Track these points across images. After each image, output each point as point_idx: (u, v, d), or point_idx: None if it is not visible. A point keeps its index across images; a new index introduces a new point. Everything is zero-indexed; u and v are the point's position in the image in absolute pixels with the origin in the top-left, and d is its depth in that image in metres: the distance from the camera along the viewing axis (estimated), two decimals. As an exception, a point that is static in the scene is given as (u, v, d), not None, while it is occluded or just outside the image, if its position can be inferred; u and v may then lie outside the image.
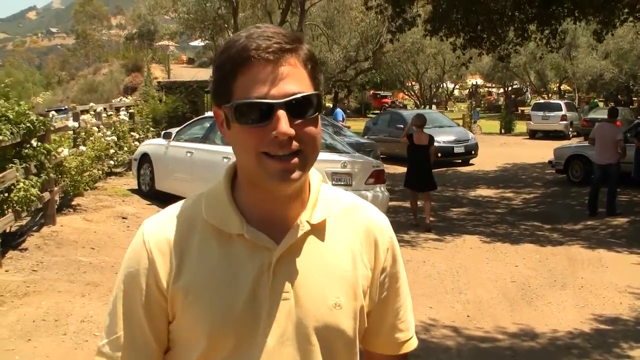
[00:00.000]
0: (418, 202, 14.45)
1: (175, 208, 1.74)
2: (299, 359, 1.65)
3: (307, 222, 1.69)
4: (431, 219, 14.05)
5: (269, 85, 1.55)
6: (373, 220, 1.86)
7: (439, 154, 23.36)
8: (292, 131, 1.54)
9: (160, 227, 1.69)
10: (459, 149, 25.99)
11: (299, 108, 1.56)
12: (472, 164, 25.98)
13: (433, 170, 14.29)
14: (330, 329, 1.68)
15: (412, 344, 1.93)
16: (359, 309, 1.74)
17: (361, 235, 1.79)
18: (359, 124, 41.38)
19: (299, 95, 1.56)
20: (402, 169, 21.13)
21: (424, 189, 14.04)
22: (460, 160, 26.25)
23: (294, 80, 1.57)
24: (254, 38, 1.57)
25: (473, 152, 26.52)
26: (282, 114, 1.53)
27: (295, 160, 1.57)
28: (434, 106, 57.62)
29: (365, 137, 25.90)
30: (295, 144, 1.56)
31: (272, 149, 1.55)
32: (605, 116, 18.46)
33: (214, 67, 1.67)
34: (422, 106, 57.65)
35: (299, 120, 1.57)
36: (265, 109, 1.54)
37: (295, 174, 1.57)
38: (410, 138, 14.03)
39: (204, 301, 1.62)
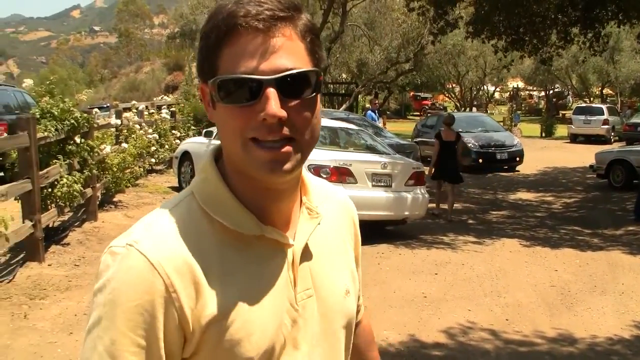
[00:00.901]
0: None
1: (164, 218, 1.43)
2: (329, 356, 1.55)
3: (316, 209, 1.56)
4: (452, 213, 15.02)
5: (258, 58, 1.33)
6: (345, 199, 1.76)
7: (480, 160, 23.12)
8: (283, 113, 1.32)
9: (166, 245, 1.36)
10: (501, 155, 24.63)
11: (293, 86, 1.35)
12: (518, 171, 25.06)
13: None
14: (347, 317, 1.60)
15: (363, 308, 1.91)
16: (358, 290, 1.71)
17: (343, 215, 1.71)
18: (398, 126, 41.41)
19: (293, 72, 1.34)
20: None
21: (450, 181, 15.00)
22: (506, 167, 25.06)
23: (288, 54, 1.35)
24: (243, 3, 1.35)
25: (518, 158, 25.05)
26: (271, 92, 1.32)
27: (288, 148, 1.35)
28: (474, 108, 57.35)
29: (417, 139, 25.69)
30: (286, 129, 1.34)
31: (260, 133, 1.34)
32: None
33: (200, 36, 1.44)
34: (463, 108, 57.59)
35: (293, 102, 1.35)
36: (252, 86, 1.33)
37: (288, 165, 1.36)
38: (439, 135, 15.22)
39: (242, 325, 1.38)
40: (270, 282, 1.43)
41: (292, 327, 1.46)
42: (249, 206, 1.44)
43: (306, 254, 1.50)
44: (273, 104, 1.31)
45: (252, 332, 1.38)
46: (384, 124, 27.85)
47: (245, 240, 1.42)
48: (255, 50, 1.32)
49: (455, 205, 15.01)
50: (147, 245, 1.34)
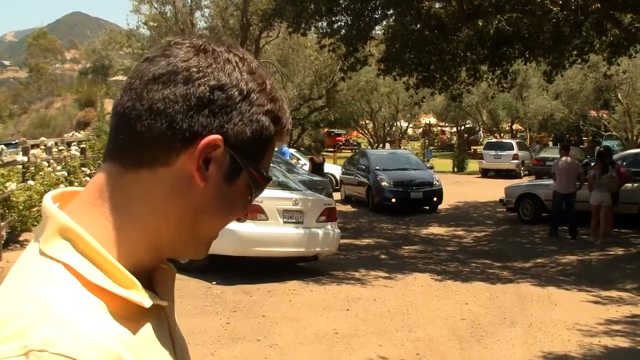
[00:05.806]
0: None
1: (58, 300, 0.99)
2: None
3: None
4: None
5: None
6: None
7: (393, 199, 22.55)
8: None
9: (93, 337, 0.97)
10: (416, 195, 22.93)
11: None
12: (438, 211, 23.88)
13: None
14: None
15: None
16: None
17: None
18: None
19: None
20: (352, 209, 21.29)
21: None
22: (427, 206, 23.66)
23: None
24: (285, 109, 1.23)
25: (435, 198, 23.36)
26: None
27: None
28: (387, 144, 57.86)
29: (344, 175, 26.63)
30: None
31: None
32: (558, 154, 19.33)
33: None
34: (376, 144, 58.05)
35: None
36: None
37: None
38: (312, 159, 21.40)
39: None
40: (169, 353, 1.18)
41: None
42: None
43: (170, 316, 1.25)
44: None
45: None
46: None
47: (141, 313, 1.10)
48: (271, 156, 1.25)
49: (367, 240, 15.09)
50: (69, 344, 0.95)
